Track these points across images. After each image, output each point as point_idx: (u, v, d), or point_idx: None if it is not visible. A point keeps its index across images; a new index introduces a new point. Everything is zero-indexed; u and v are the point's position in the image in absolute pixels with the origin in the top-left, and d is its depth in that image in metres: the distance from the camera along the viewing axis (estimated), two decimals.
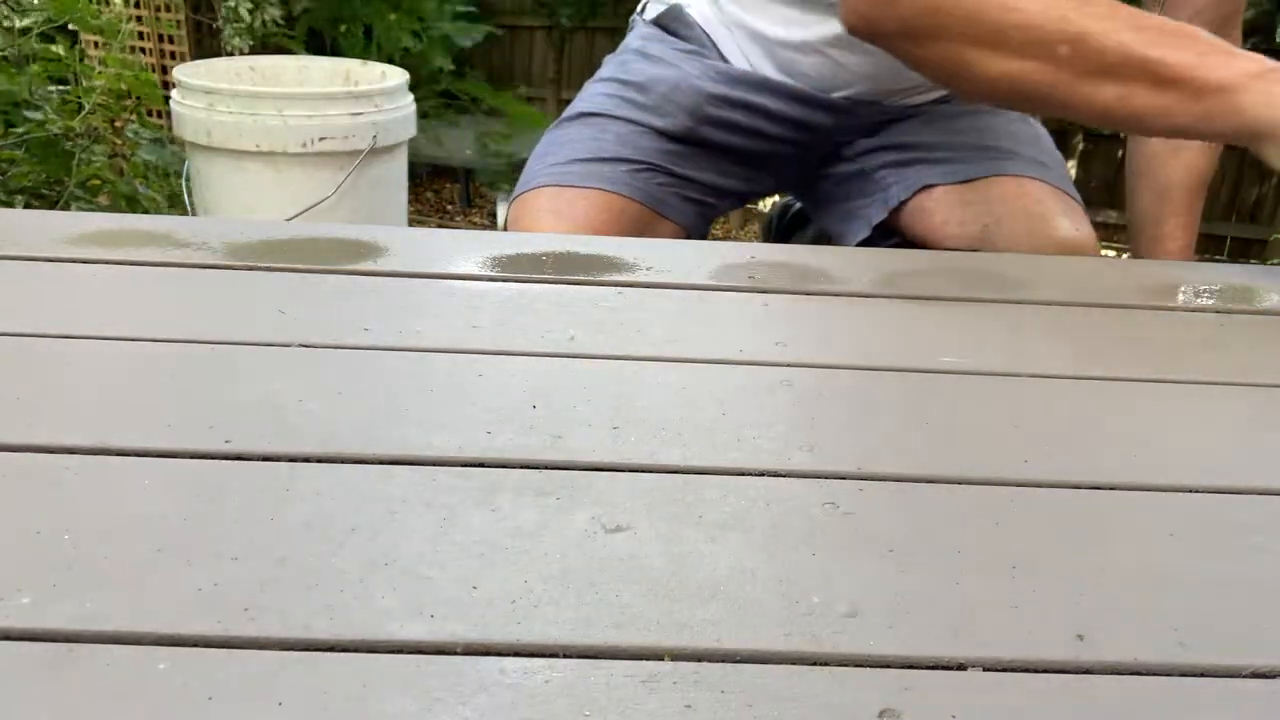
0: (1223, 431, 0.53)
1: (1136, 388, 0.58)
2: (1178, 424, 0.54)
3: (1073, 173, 3.12)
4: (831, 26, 0.98)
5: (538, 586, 0.38)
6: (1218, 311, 0.70)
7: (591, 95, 1.10)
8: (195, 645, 0.34)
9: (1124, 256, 1.68)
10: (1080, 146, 3.61)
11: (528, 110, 3.34)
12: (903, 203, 1.04)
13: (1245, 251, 3.47)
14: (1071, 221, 0.98)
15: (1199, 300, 0.72)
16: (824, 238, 1.31)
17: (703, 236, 1.12)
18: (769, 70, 1.05)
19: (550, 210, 1.00)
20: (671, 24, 1.11)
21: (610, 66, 1.13)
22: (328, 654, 0.34)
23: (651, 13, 1.14)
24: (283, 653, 0.34)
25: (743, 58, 1.07)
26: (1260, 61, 0.70)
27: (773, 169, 1.12)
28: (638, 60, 1.10)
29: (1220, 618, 0.39)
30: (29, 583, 0.36)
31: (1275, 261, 3.15)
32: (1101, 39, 0.72)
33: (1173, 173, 1.04)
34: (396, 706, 0.32)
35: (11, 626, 0.34)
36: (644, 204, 1.02)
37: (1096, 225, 1.08)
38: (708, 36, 1.08)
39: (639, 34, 1.14)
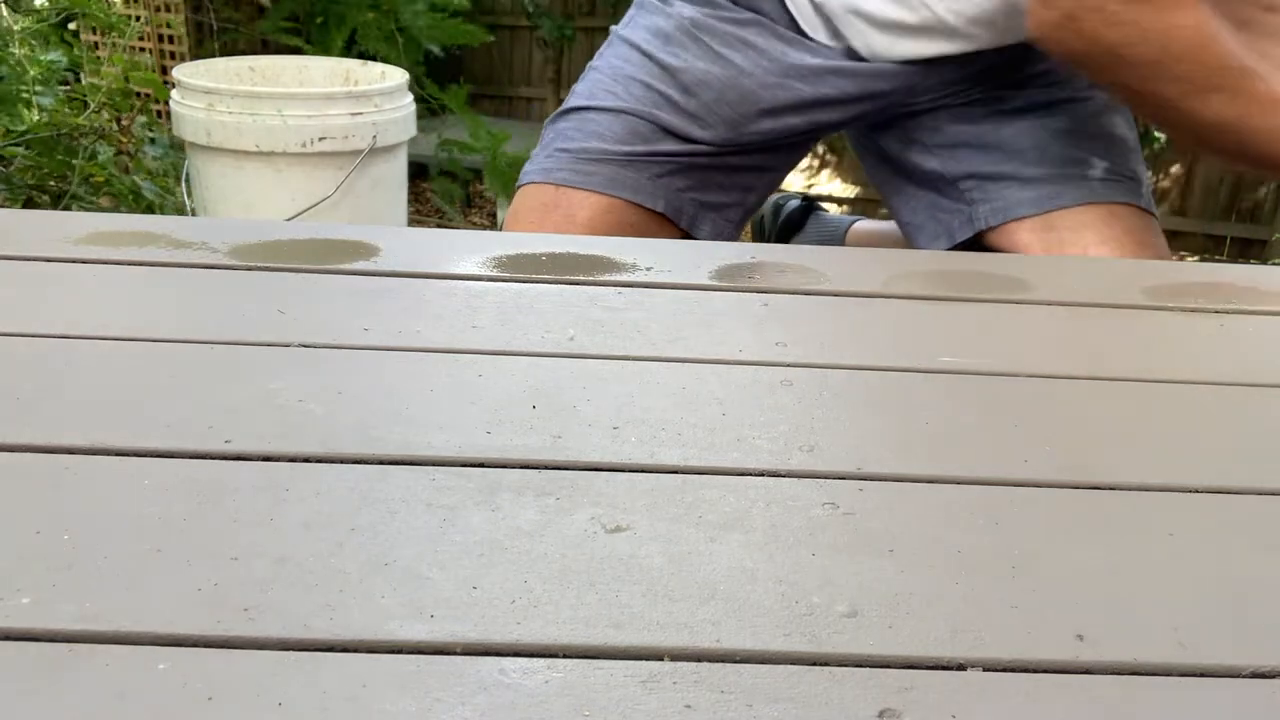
0: (1223, 431, 0.53)
1: (1136, 387, 0.58)
2: (1177, 424, 0.54)
3: None
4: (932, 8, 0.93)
5: (538, 586, 0.38)
6: (1218, 311, 0.70)
7: (626, 79, 1.00)
8: (195, 645, 0.34)
9: None
10: None
11: (484, 128, 3.27)
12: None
13: (1245, 251, 3.47)
14: (1157, 253, 0.98)
15: (1199, 300, 0.72)
16: (824, 243, 1.30)
17: (731, 238, 1.08)
18: (842, 38, 0.97)
19: (558, 210, 0.97)
20: None
21: (647, 29, 1.01)
22: (328, 654, 0.34)
23: None
24: (283, 653, 0.34)
25: (814, 24, 0.98)
26: None
27: (822, 140, 1.08)
28: (684, 42, 0.99)
29: (1220, 618, 0.39)
30: (29, 583, 0.36)
31: (1275, 261, 3.15)
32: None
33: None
34: (396, 706, 0.32)
35: (11, 626, 0.34)
36: (664, 215, 0.99)
37: None
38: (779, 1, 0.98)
39: None
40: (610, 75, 1.02)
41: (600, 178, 0.98)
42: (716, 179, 1.02)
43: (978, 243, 1.03)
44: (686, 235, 1.02)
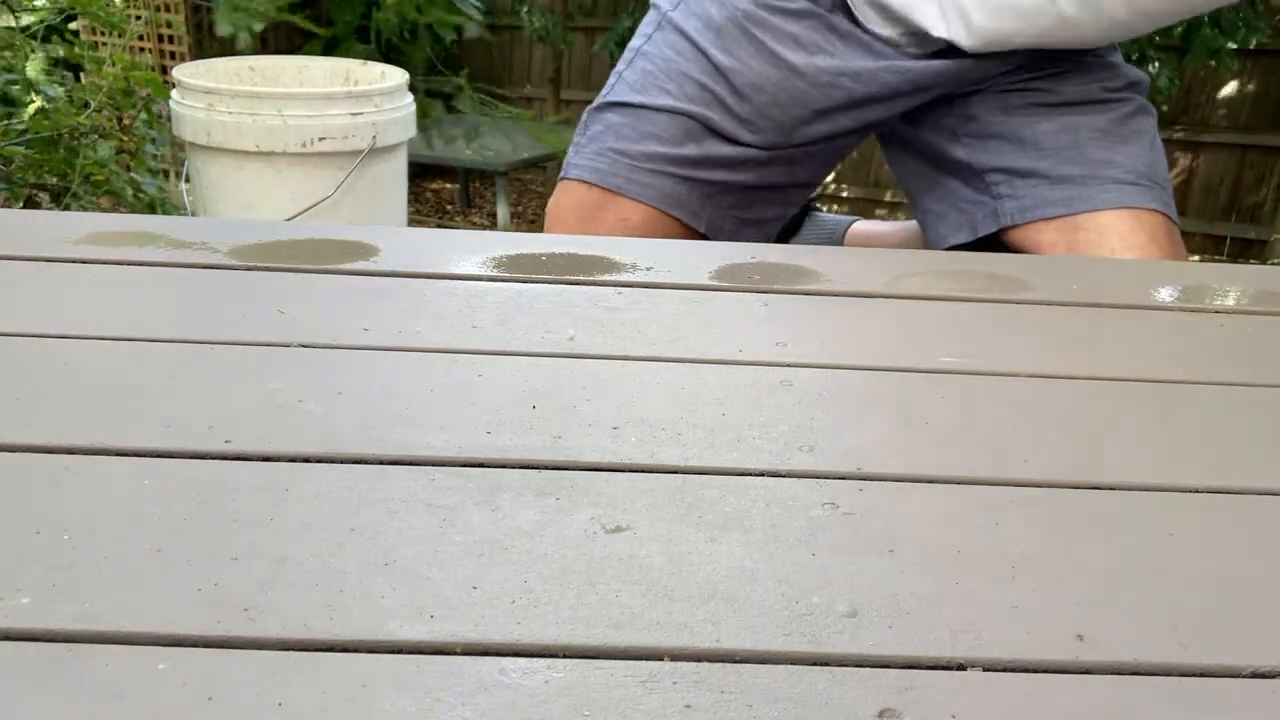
0: (1223, 431, 0.53)
1: (1136, 387, 0.58)
2: (1178, 424, 0.54)
3: None
4: None
5: (538, 586, 0.38)
6: (1218, 311, 0.70)
7: (680, 75, 0.98)
8: (195, 645, 0.34)
9: None
10: None
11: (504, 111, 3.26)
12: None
13: (1245, 251, 3.47)
14: (1179, 259, 0.97)
15: (1199, 300, 0.72)
16: (822, 244, 1.29)
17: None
18: (897, 27, 0.95)
19: (609, 213, 0.97)
20: None
21: (699, 18, 0.98)
22: (328, 654, 0.34)
23: None
24: (283, 653, 0.34)
25: (872, 16, 0.96)
26: None
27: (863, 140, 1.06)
28: (737, 38, 0.97)
29: (1220, 618, 0.39)
30: (29, 583, 0.36)
31: (1275, 261, 3.16)
32: None
33: None
34: (396, 706, 0.32)
35: (11, 626, 0.34)
36: (704, 234, 0.99)
37: None
38: None
39: None
40: (663, 69, 1.01)
41: (656, 191, 0.98)
42: (764, 195, 1.02)
43: (997, 237, 1.02)
44: None
